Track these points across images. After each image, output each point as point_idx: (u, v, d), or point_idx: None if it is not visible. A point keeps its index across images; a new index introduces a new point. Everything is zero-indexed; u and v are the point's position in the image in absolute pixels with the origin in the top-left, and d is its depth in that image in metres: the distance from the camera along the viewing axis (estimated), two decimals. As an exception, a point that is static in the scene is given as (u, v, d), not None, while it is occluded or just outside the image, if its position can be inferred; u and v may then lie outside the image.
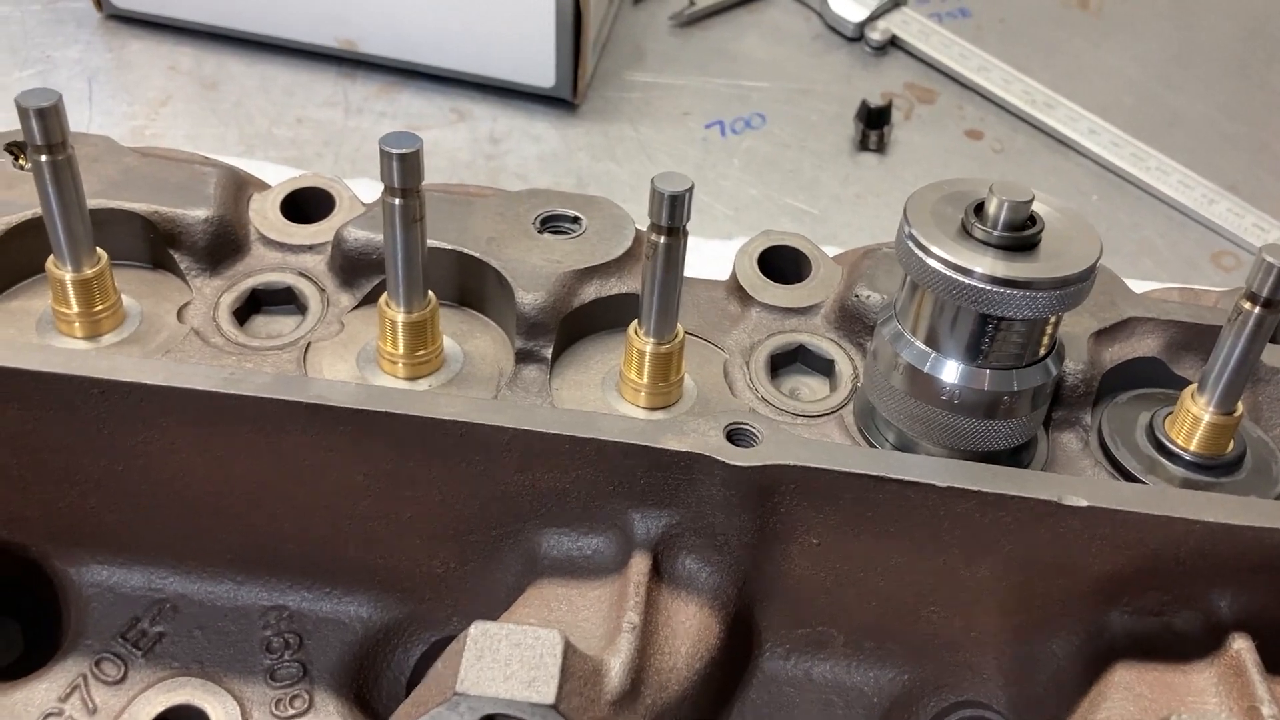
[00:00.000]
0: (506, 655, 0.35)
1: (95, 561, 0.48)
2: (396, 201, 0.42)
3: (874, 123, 0.81)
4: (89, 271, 0.46)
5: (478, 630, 0.35)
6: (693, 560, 0.43)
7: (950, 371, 0.42)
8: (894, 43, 0.88)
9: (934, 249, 0.41)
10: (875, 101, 0.81)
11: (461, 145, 0.79)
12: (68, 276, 0.45)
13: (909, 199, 0.43)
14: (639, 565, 0.42)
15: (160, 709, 0.45)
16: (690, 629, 0.42)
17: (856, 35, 0.88)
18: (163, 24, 0.84)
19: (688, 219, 0.42)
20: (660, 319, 0.44)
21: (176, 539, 0.47)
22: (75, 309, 0.46)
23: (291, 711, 0.46)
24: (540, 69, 0.79)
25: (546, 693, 0.34)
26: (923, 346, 0.43)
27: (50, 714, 0.45)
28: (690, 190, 0.41)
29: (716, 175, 0.78)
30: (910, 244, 0.41)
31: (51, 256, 0.45)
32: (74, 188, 0.43)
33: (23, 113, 0.42)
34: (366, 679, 0.48)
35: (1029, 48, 0.89)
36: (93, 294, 0.46)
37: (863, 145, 0.81)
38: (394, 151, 0.41)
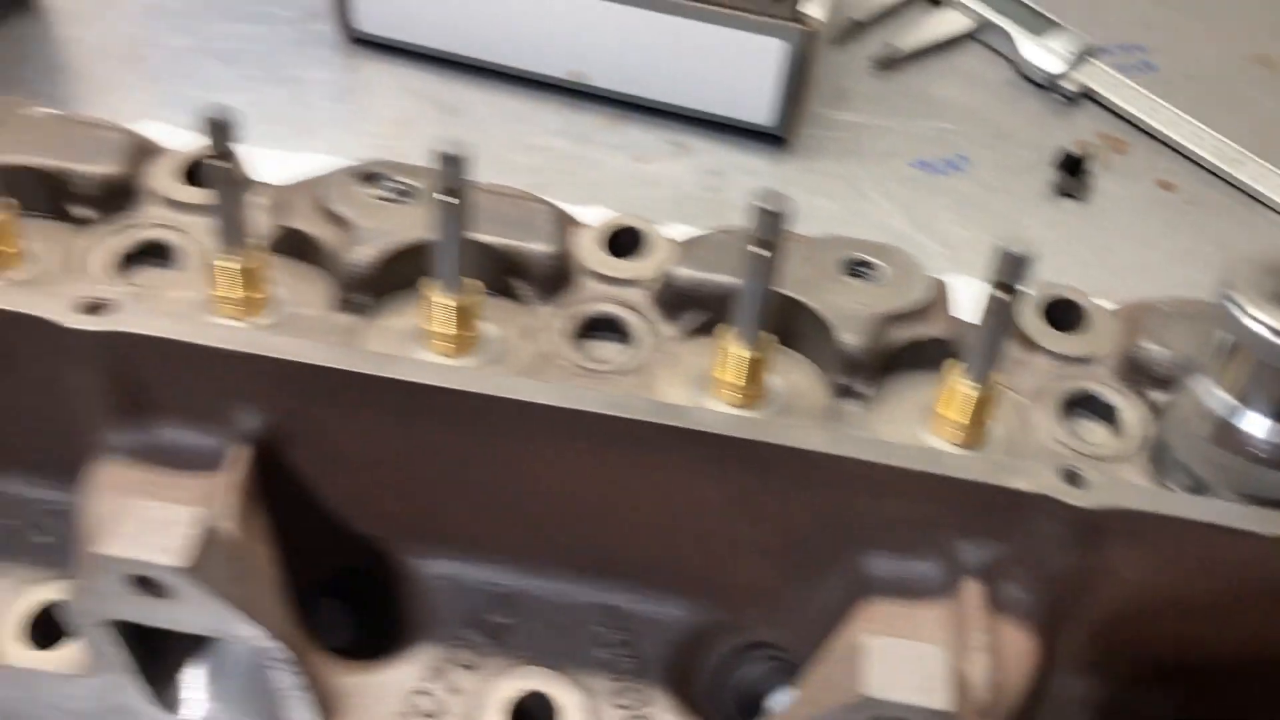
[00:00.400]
0: (902, 667, 0.40)
1: (442, 556, 0.54)
2: (764, 253, 0.47)
3: (1073, 170, 0.85)
4: (464, 299, 0.51)
5: (877, 644, 0.40)
6: (1017, 588, 0.47)
7: (1261, 426, 0.47)
8: (1086, 93, 0.92)
9: (1258, 315, 0.45)
10: (1073, 150, 0.85)
11: (685, 177, 0.84)
12: (446, 301, 0.51)
13: (1228, 267, 0.47)
14: (973, 593, 0.47)
15: (516, 693, 0.51)
16: (1018, 649, 0.47)
17: (1048, 84, 0.92)
18: (401, 49, 0.89)
19: (1023, 279, 0.47)
20: (987, 366, 0.49)
21: (522, 540, 0.52)
22: (454, 331, 0.51)
23: (629, 701, 0.51)
24: (760, 107, 0.84)
25: (944, 700, 0.39)
26: (1233, 402, 0.47)
27: (418, 692, 0.51)
28: (1030, 257, 0.46)
29: (926, 214, 0.83)
30: (1233, 308, 0.46)
31: (429, 282, 0.51)
32: (464, 226, 0.49)
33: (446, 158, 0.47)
34: (686, 675, 0.53)
35: (1215, 103, 0.92)
36: (467, 319, 0.51)
37: (1063, 192, 0.85)
38: (769, 209, 0.46)
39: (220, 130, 0.47)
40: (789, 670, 0.54)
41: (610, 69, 0.86)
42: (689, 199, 0.83)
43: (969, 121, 0.90)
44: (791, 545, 0.49)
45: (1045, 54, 0.92)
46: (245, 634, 0.44)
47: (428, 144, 0.84)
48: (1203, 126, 0.89)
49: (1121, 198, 0.85)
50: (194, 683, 0.51)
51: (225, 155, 0.48)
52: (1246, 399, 0.47)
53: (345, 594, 0.56)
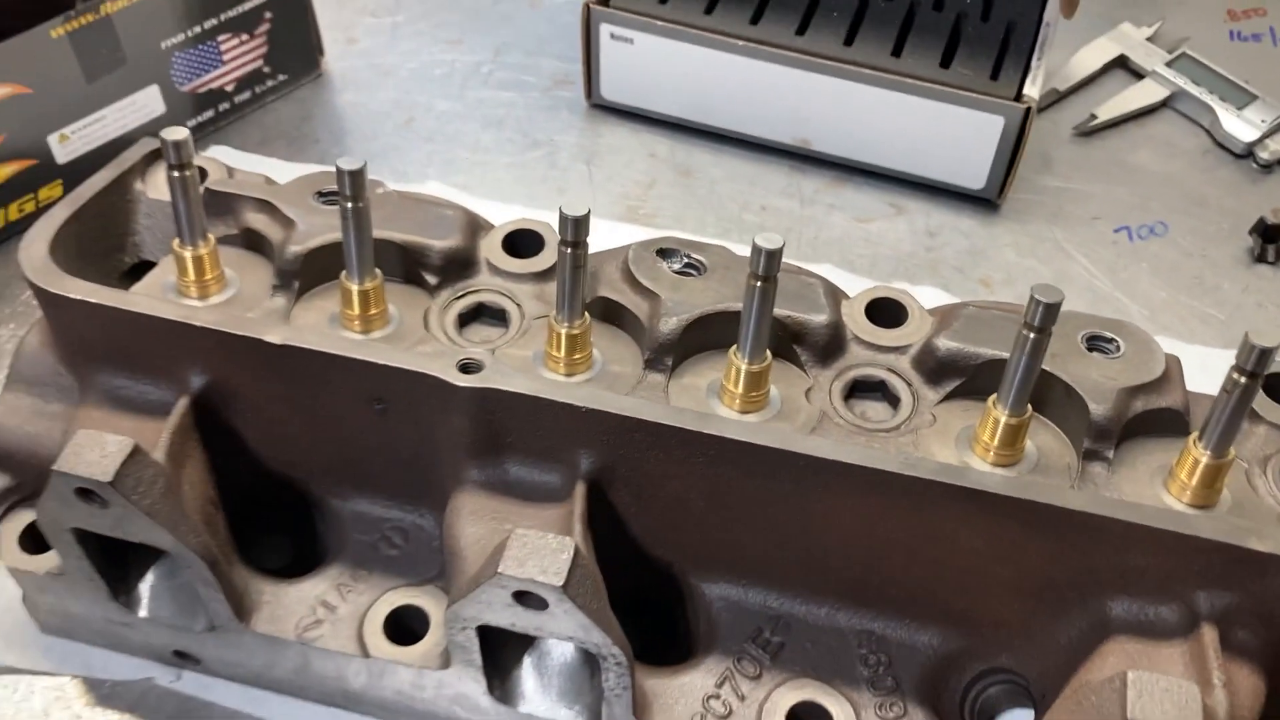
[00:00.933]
0: (1161, 699, 0.48)
1: (725, 581, 0.63)
2: (1031, 336, 0.55)
3: (1270, 237, 0.90)
4: (760, 365, 0.60)
5: (1138, 676, 0.48)
6: (1245, 633, 0.54)
7: None
8: (1280, 162, 0.97)
9: None
10: (1270, 218, 0.91)
11: (903, 237, 0.92)
12: (744, 367, 0.60)
13: None
14: (1210, 636, 0.54)
15: (793, 702, 0.59)
16: (1249, 687, 0.54)
17: (1245, 153, 0.97)
18: (639, 114, 0.99)
19: (1266, 368, 0.54)
20: (1224, 438, 0.56)
21: (799, 571, 0.61)
22: (742, 390, 0.60)
23: (893, 714, 0.59)
24: (977, 174, 0.92)
25: (1199, 728, 0.47)
26: None
27: (711, 696, 0.60)
28: (1276, 349, 0.53)
29: (1129, 277, 0.89)
30: None
31: (734, 349, 0.60)
32: (771, 306, 0.58)
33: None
34: (935, 693, 0.61)
35: None
36: (760, 383, 0.60)
37: (1260, 258, 0.90)
38: (1043, 300, 0.54)
39: (575, 225, 0.57)
40: (1024, 694, 0.62)
41: (833, 136, 0.95)
42: (908, 256, 0.90)
43: (1167, 188, 0.96)
44: (1042, 588, 0.57)
45: (1241, 123, 0.98)
46: (596, 641, 0.53)
47: (670, 204, 0.94)
48: (1398, 196, 0.93)
49: (1317, 264, 0.90)
50: (525, 679, 0.61)
51: (576, 244, 0.57)
52: None
53: (627, 607, 0.66)
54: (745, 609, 0.62)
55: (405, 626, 0.62)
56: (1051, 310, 0.54)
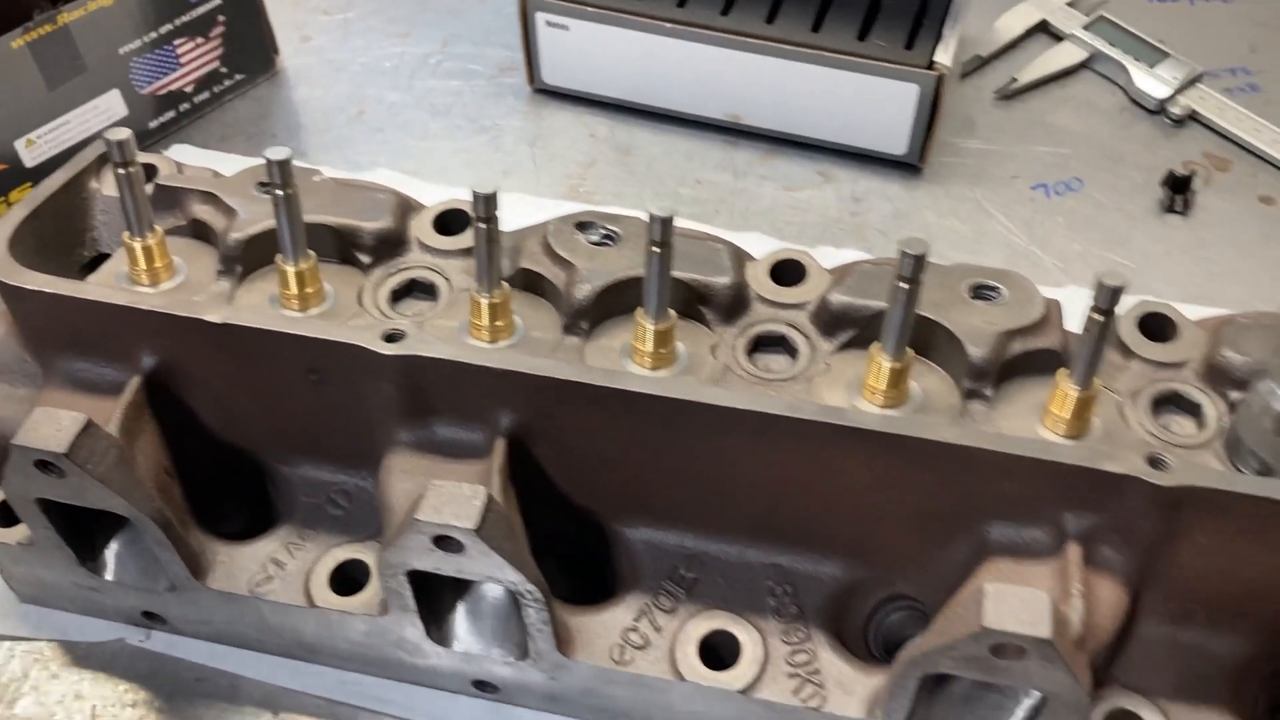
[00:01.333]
0: (1015, 606, 0.52)
1: (644, 525, 0.68)
2: (905, 287, 0.60)
3: (1178, 188, 0.95)
4: (664, 325, 0.65)
5: (994, 588, 0.53)
6: (1109, 550, 0.59)
7: (1314, 422, 0.58)
8: (1192, 116, 1.01)
9: (1309, 334, 0.56)
10: (1178, 170, 0.95)
11: (829, 203, 0.96)
12: (651, 327, 0.65)
13: (1286, 294, 0.58)
14: (1074, 553, 0.59)
15: (705, 631, 0.64)
16: (1109, 599, 0.59)
17: (1157, 109, 1.02)
18: (581, 98, 1.04)
19: (1116, 305, 0.59)
20: (1087, 372, 0.61)
21: (709, 512, 0.66)
22: (651, 349, 0.65)
23: (795, 639, 0.64)
24: (896, 140, 0.96)
25: (1045, 630, 0.51)
26: (1292, 402, 0.59)
27: (629, 629, 0.65)
28: (1125, 286, 0.58)
29: (1044, 232, 0.94)
30: (1290, 329, 0.57)
31: (640, 311, 0.65)
32: (670, 270, 0.63)
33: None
34: (838, 619, 0.66)
35: (1316, 121, 1.01)
36: (666, 340, 0.65)
37: (1169, 208, 0.95)
38: (911, 253, 0.59)
39: (486, 201, 0.62)
40: (923, 618, 0.67)
41: (763, 111, 0.99)
42: (835, 223, 0.95)
43: (1084, 146, 1.00)
44: (926, 517, 0.62)
45: (1154, 81, 1.02)
46: (512, 579, 0.59)
47: (609, 182, 0.99)
48: (1303, 145, 0.98)
49: (1223, 212, 0.95)
50: (459, 621, 0.66)
51: (488, 219, 0.62)
52: (1303, 398, 0.58)
53: (557, 554, 0.71)
54: (663, 550, 0.68)
55: (350, 579, 0.67)
56: (919, 262, 0.59)
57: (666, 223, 0.61)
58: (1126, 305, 0.69)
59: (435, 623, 0.65)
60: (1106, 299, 0.58)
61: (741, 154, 1.00)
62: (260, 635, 0.70)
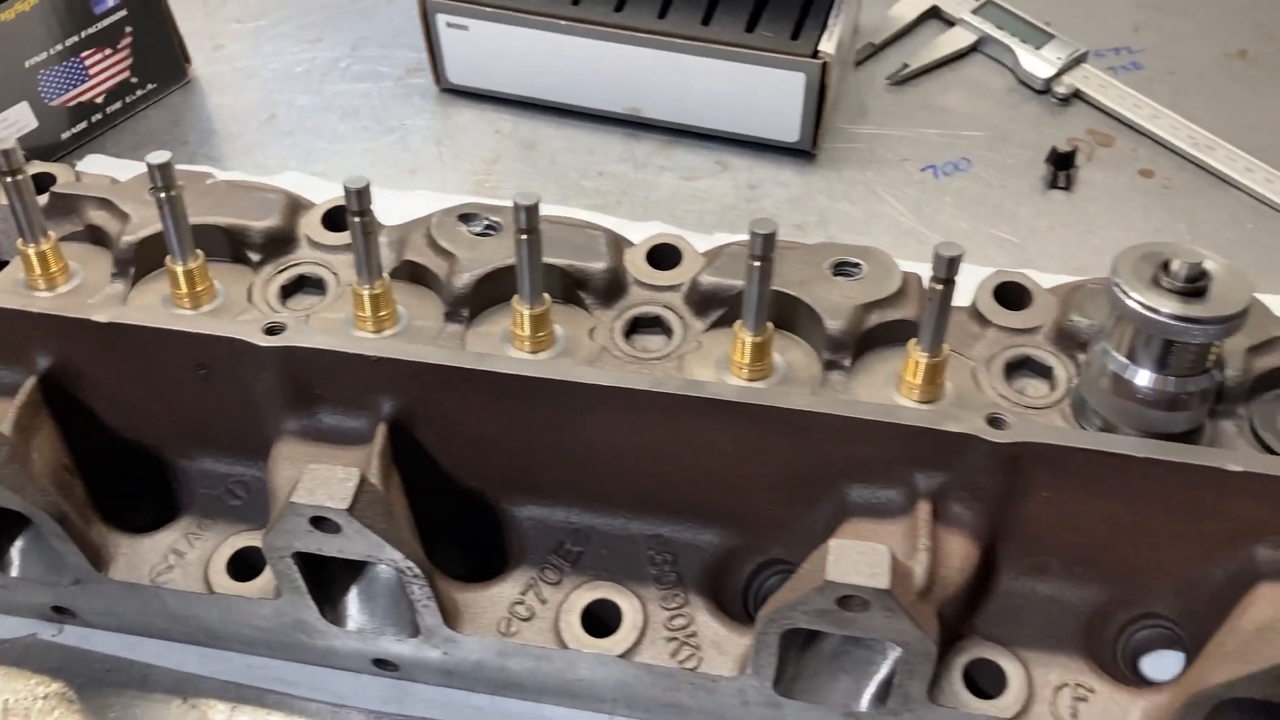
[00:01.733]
0: (856, 559, 0.56)
1: (531, 503, 0.71)
2: (757, 264, 0.63)
3: (1062, 165, 0.98)
4: (539, 309, 0.68)
5: (836, 543, 0.56)
6: (958, 506, 0.62)
7: (1144, 378, 0.61)
8: (1077, 95, 1.05)
9: (1134, 294, 0.59)
10: (1062, 146, 0.99)
11: (726, 191, 1.00)
12: (526, 311, 0.68)
13: (1116, 258, 0.61)
14: (924, 509, 0.62)
15: (588, 600, 0.67)
16: (958, 553, 0.62)
17: (1044, 89, 1.05)
18: (487, 96, 1.07)
19: (958, 274, 0.62)
20: (934, 340, 0.64)
21: (591, 488, 0.69)
22: (528, 333, 0.68)
23: (674, 605, 0.67)
24: (788, 128, 0.99)
25: (884, 581, 0.55)
26: (1124, 360, 0.62)
27: (516, 602, 0.68)
28: (962, 255, 0.61)
29: (932, 211, 0.97)
30: (1117, 290, 0.60)
31: (516, 297, 0.68)
32: (540, 255, 0.66)
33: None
34: (716, 585, 0.69)
35: (1194, 96, 1.05)
36: (542, 324, 0.68)
37: (1052, 184, 0.98)
38: (760, 232, 0.62)
39: (358, 195, 0.64)
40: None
41: (662, 103, 1.02)
42: (731, 210, 0.98)
43: (972, 127, 1.04)
44: (791, 482, 0.65)
45: (1040, 62, 1.06)
46: (390, 557, 0.61)
47: (514, 177, 1.02)
48: (1180, 118, 1.01)
49: (1105, 186, 0.98)
50: (352, 602, 0.69)
51: (363, 213, 0.65)
52: (1134, 357, 0.62)
53: (457, 537, 0.74)
54: (550, 526, 0.70)
55: (248, 565, 0.69)
56: (768, 240, 0.62)
57: (531, 210, 0.63)
58: (984, 276, 0.73)
59: (329, 604, 0.68)
60: (944, 268, 0.61)
61: (642, 146, 1.03)
62: (167, 624, 0.73)
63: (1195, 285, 0.59)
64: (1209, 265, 0.60)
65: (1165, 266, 0.60)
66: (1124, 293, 0.60)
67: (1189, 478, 0.59)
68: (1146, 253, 0.61)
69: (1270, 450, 0.64)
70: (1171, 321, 0.59)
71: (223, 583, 0.68)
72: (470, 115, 1.06)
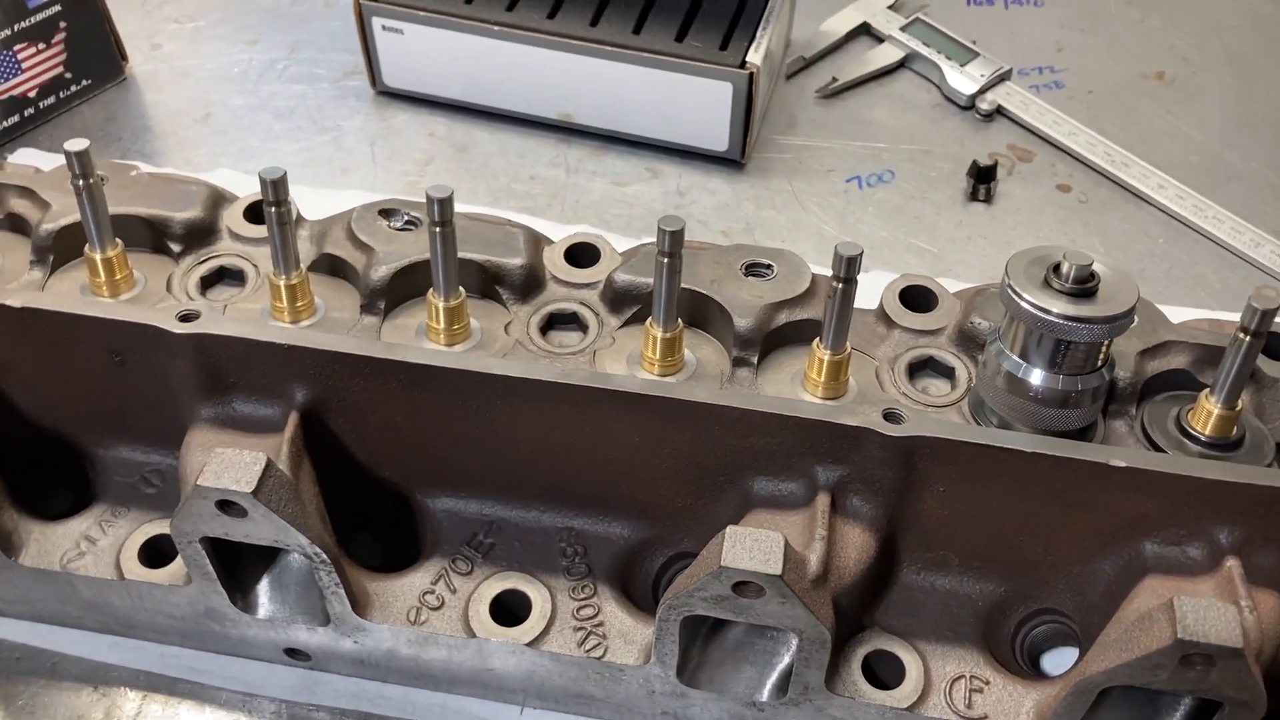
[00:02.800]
0: (750, 546, 0.57)
1: (445, 495, 0.72)
2: (665, 260, 0.65)
3: (982, 178, 1.01)
4: (454, 302, 0.69)
5: (732, 530, 0.57)
6: (857, 499, 0.64)
7: (1036, 377, 0.63)
8: (999, 111, 1.08)
9: (1026, 295, 0.62)
10: (983, 160, 1.01)
11: (655, 197, 1.01)
12: (441, 305, 0.69)
13: (1009, 260, 0.64)
14: (823, 501, 0.63)
15: (498, 590, 0.68)
16: (856, 543, 0.63)
17: (968, 105, 1.08)
18: (422, 99, 1.08)
19: (858, 273, 0.64)
20: (836, 338, 0.66)
21: (504, 480, 0.70)
22: (443, 326, 0.69)
23: (583, 595, 0.68)
24: (717, 136, 1.01)
25: (776, 567, 0.56)
26: (1017, 359, 0.64)
27: (427, 592, 0.68)
28: (861, 254, 0.63)
29: (855, 220, 0.99)
30: (1010, 291, 0.62)
31: (431, 291, 0.69)
32: (454, 248, 0.67)
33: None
34: (626, 577, 0.70)
35: (1112, 114, 1.08)
36: (457, 317, 0.69)
37: (973, 197, 1.01)
38: (667, 229, 0.63)
39: (273, 185, 0.65)
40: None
41: (593, 110, 1.04)
42: (659, 215, 0.99)
43: (899, 140, 1.06)
44: (697, 474, 0.66)
45: (965, 79, 1.08)
46: (298, 543, 0.62)
47: (446, 179, 1.03)
48: (1097, 136, 1.04)
49: (1023, 199, 1.01)
50: (264, 590, 0.69)
51: (278, 203, 0.66)
52: (1027, 357, 0.64)
53: (374, 529, 0.74)
54: (463, 517, 0.71)
55: (161, 553, 0.70)
56: (675, 237, 0.64)
57: (444, 203, 0.64)
58: (887, 281, 0.75)
59: (240, 591, 0.68)
60: (844, 267, 0.63)
61: (574, 151, 1.05)
62: (80, 613, 0.73)
63: (1084, 286, 0.61)
64: (1098, 268, 0.62)
65: (1056, 269, 0.62)
66: (1016, 294, 0.62)
67: (1076, 473, 0.61)
68: (1038, 256, 0.63)
69: (1159, 449, 0.66)
70: (1061, 321, 0.61)
71: (134, 569, 0.69)
72: (405, 118, 1.07)
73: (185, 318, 0.65)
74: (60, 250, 0.73)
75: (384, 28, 1.03)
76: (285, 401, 0.67)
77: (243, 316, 0.71)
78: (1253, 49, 1.17)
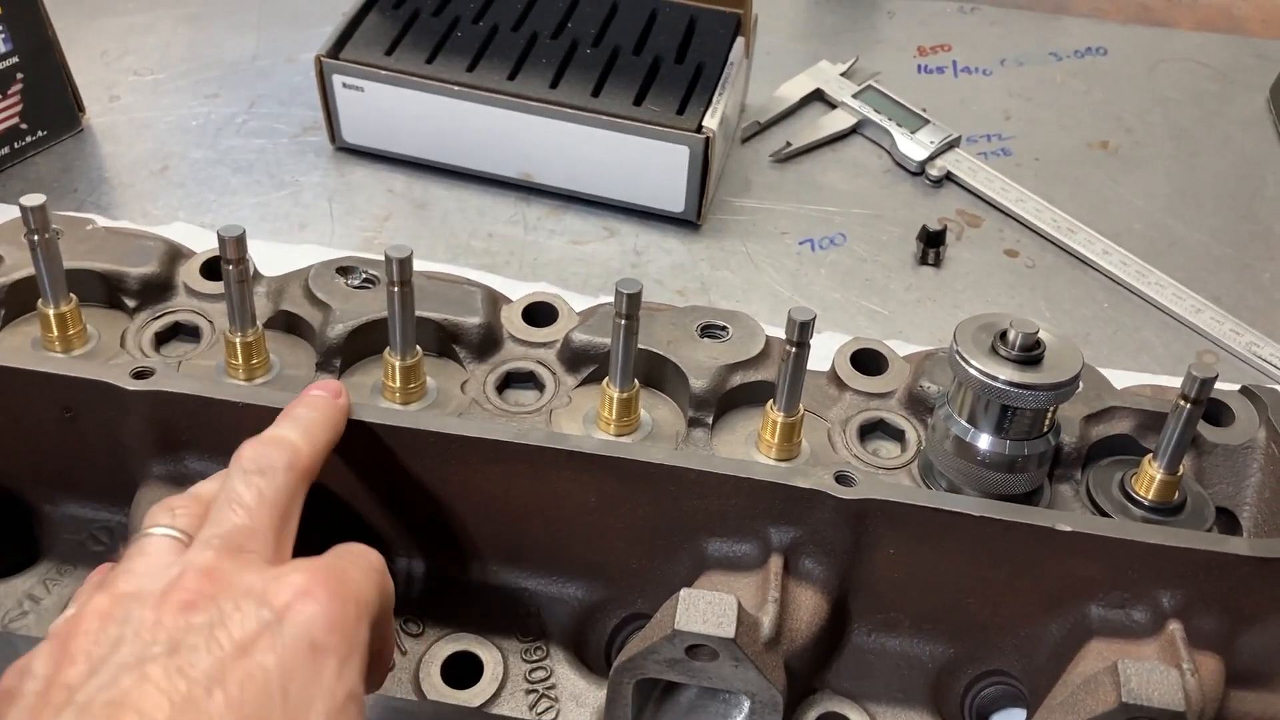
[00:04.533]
0: (704, 609, 0.57)
1: (399, 555, 0.71)
2: (623, 322, 0.65)
3: (932, 242, 1.03)
4: (410, 361, 0.69)
5: (686, 592, 0.58)
6: (809, 560, 0.65)
7: (984, 441, 0.65)
8: (949, 177, 1.10)
9: (973, 362, 0.63)
10: (933, 225, 1.03)
11: (613, 256, 1.02)
12: (397, 363, 0.69)
13: (957, 327, 0.65)
14: (775, 563, 0.64)
15: (450, 651, 0.67)
16: (808, 605, 0.64)
17: (919, 170, 1.11)
18: (381, 156, 1.09)
19: (811, 337, 0.65)
20: (789, 400, 0.67)
21: (457, 540, 0.69)
22: (399, 384, 0.69)
23: (535, 658, 0.68)
24: (674, 198, 1.03)
25: (730, 630, 0.56)
26: (965, 424, 0.65)
27: (378, 653, 0.68)
28: (814, 319, 0.64)
29: (808, 282, 1.01)
30: (957, 357, 0.64)
31: (388, 349, 0.69)
32: (412, 307, 0.67)
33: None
34: (580, 638, 0.70)
35: (1058, 182, 1.11)
36: (413, 376, 0.70)
37: (923, 260, 1.03)
38: (625, 292, 0.64)
39: (232, 243, 0.65)
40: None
41: (553, 170, 1.05)
42: (617, 274, 1.01)
43: (849, 204, 1.08)
44: (651, 535, 0.67)
45: (916, 145, 1.11)
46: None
47: (405, 235, 1.03)
48: (1044, 202, 1.07)
49: (972, 263, 1.03)
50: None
51: (237, 261, 0.66)
52: (974, 422, 0.65)
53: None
54: (415, 577, 0.71)
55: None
56: (633, 300, 0.65)
57: (403, 262, 0.65)
58: (839, 342, 0.77)
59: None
60: (797, 332, 0.64)
61: (533, 210, 1.06)
62: (20, 673, 0.71)
63: (1030, 354, 0.63)
64: (1043, 335, 0.64)
65: (1003, 336, 0.64)
66: (964, 360, 0.63)
67: (1023, 536, 0.62)
68: (985, 323, 0.65)
69: (1104, 513, 0.67)
70: (1008, 388, 0.62)
71: (78, 629, 0.68)
72: (363, 173, 1.08)
73: (139, 374, 0.65)
74: (12, 304, 0.73)
75: (345, 85, 1.04)
76: (239, 459, 0.67)
77: (197, 373, 0.71)
78: (1193, 121, 1.21)
